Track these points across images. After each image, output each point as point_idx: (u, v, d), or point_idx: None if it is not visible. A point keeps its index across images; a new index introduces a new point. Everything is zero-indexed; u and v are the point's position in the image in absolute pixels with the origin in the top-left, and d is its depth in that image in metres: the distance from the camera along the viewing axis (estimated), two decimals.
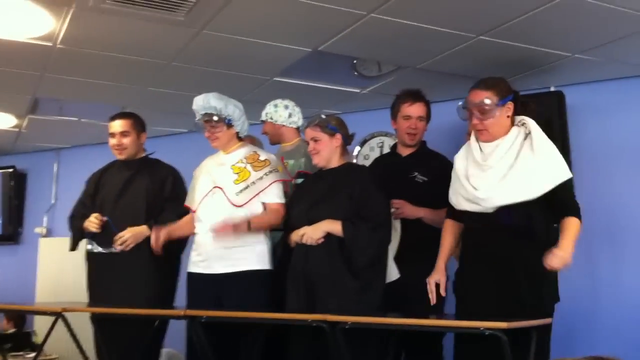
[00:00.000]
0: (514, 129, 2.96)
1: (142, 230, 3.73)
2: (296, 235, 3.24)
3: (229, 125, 3.52)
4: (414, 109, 3.60)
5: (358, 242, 3.10)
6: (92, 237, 3.84)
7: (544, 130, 4.04)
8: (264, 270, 3.43)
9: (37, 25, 3.68)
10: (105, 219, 3.78)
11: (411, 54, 4.03)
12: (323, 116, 3.40)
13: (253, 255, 3.42)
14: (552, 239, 2.87)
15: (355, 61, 4.29)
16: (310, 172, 3.64)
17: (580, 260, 4.27)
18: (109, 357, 3.73)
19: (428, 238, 3.36)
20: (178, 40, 3.87)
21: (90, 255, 3.90)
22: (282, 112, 3.88)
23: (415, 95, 3.63)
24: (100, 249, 3.75)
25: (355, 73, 4.49)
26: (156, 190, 3.83)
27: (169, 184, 3.91)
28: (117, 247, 3.70)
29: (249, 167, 3.50)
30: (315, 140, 3.33)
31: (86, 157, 6.84)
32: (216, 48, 3.97)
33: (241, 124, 3.58)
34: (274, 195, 3.46)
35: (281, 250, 3.46)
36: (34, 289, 6.57)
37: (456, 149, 3.24)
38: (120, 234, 3.70)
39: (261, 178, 3.46)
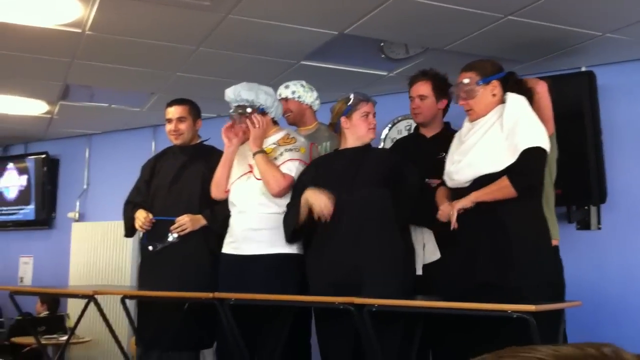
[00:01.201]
0: (497, 107, 2.97)
1: (199, 218, 3.76)
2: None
3: (264, 113, 3.53)
4: (413, 90, 3.59)
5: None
6: (147, 233, 3.87)
7: (574, 110, 4.03)
8: (291, 254, 3.44)
9: (65, 12, 3.72)
10: (153, 220, 3.80)
11: (438, 35, 3.99)
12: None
13: (280, 238, 3.43)
14: (530, 216, 2.84)
15: (382, 44, 4.26)
16: None
17: (613, 244, 4.25)
18: (151, 341, 3.78)
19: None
20: (204, 25, 3.88)
21: (143, 248, 3.93)
22: (310, 93, 3.89)
23: (414, 76, 3.62)
24: (157, 246, 3.75)
25: (382, 56, 4.46)
26: (211, 177, 3.77)
27: None
28: (174, 232, 3.72)
29: (277, 145, 3.54)
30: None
31: (117, 142, 6.95)
32: (242, 32, 3.97)
33: (275, 110, 3.60)
34: (287, 169, 3.46)
35: (304, 234, 3.41)
36: (68, 273, 6.69)
37: None
38: (179, 218, 3.73)
39: (282, 154, 3.48)
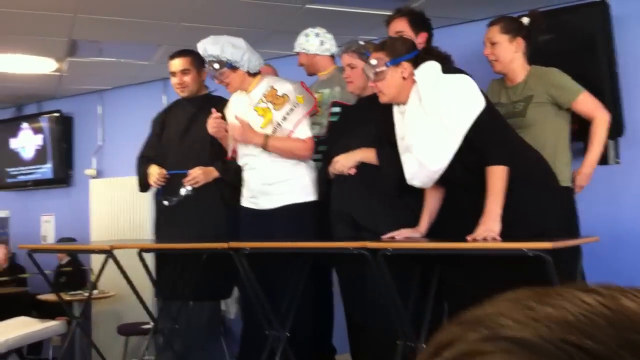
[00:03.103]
0: (412, 93, 2.83)
1: (211, 170, 3.73)
2: (332, 167, 3.22)
3: (234, 68, 3.41)
4: (390, 29, 3.48)
5: (388, 167, 3.05)
6: (161, 187, 3.86)
7: (587, 42, 3.91)
8: (308, 201, 3.44)
9: None
10: (167, 175, 3.78)
11: None
12: (361, 42, 3.30)
13: (296, 188, 3.44)
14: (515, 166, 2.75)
15: None
16: (346, 102, 3.58)
17: (631, 179, 4.17)
18: (171, 293, 3.82)
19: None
20: None
21: (158, 202, 3.92)
22: (314, 41, 3.80)
23: (390, 15, 3.53)
24: (173, 201, 3.72)
25: None
26: None
27: None
28: (187, 185, 3.69)
29: (270, 106, 3.42)
30: (352, 67, 3.25)
31: (128, 97, 6.93)
32: None
33: (247, 63, 3.43)
34: (302, 133, 3.40)
35: (323, 183, 3.45)
36: (89, 229, 6.76)
37: (486, 71, 3.27)
38: (191, 171, 3.70)
39: (284, 119, 3.39)
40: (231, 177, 3.69)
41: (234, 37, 3.44)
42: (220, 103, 3.89)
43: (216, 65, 3.36)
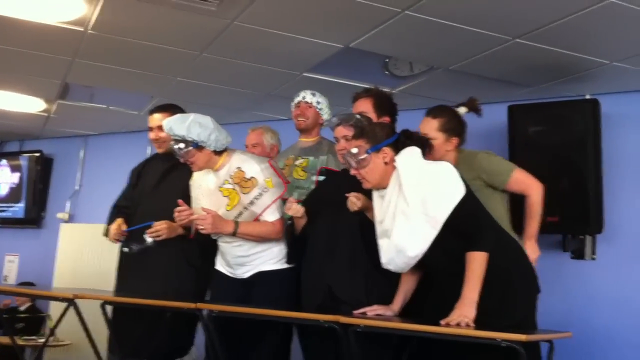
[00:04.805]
0: (393, 178, 2.81)
1: (176, 226, 3.64)
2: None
3: (200, 147, 3.31)
4: (354, 107, 3.43)
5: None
6: (126, 237, 3.77)
7: (577, 138, 3.98)
8: (283, 269, 3.39)
9: (68, 9, 3.68)
10: (125, 232, 3.69)
11: (444, 54, 3.95)
12: (358, 116, 3.28)
13: (271, 256, 3.38)
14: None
15: (387, 60, 4.22)
16: (334, 169, 3.56)
17: (606, 276, 4.19)
18: (129, 349, 3.69)
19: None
20: (209, 30, 3.84)
21: (122, 253, 3.84)
22: (328, 112, 3.82)
23: (357, 93, 3.48)
24: (133, 249, 3.63)
25: (386, 72, 4.42)
26: None
27: None
28: (149, 237, 3.59)
29: (237, 188, 3.34)
30: (347, 140, 3.22)
31: (113, 145, 6.90)
32: (247, 40, 3.93)
33: (213, 142, 3.30)
34: (270, 216, 3.33)
35: (292, 246, 3.39)
36: (52, 274, 6.60)
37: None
38: (157, 223, 3.62)
39: (252, 202, 3.31)
40: (199, 238, 3.61)
41: (201, 116, 3.34)
42: None
43: (181, 145, 3.26)
